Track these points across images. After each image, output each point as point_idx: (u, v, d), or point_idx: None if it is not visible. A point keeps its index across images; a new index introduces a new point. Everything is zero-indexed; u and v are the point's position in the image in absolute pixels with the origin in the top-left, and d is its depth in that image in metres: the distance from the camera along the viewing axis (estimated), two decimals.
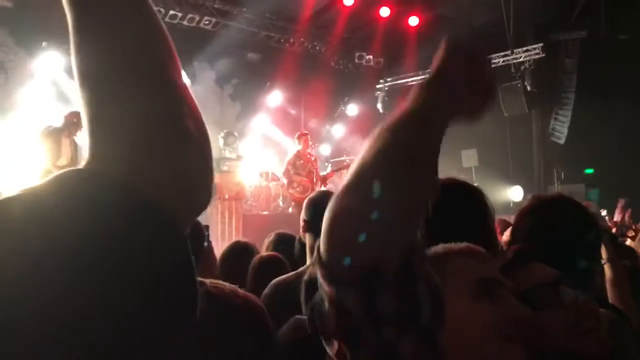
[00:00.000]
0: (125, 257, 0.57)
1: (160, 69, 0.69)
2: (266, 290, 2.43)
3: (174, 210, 0.62)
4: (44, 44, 9.94)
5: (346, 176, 0.84)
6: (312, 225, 2.63)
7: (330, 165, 11.20)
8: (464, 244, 1.10)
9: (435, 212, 1.13)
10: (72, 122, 8.01)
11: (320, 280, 0.81)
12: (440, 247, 1.09)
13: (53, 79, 10.13)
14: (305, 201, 2.79)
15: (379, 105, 14.23)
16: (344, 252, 0.78)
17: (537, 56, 11.73)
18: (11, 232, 0.56)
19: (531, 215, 1.64)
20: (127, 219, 0.59)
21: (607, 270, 1.74)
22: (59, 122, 8.20)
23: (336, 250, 0.80)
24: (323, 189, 9.91)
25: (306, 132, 10.31)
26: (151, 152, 0.64)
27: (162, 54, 0.70)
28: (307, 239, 2.66)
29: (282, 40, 12.50)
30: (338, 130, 14.14)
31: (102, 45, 0.68)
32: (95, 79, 0.67)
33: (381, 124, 0.90)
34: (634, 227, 6.56)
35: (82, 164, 0.65)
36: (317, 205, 2.75)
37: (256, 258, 2.90)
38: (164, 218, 0.61)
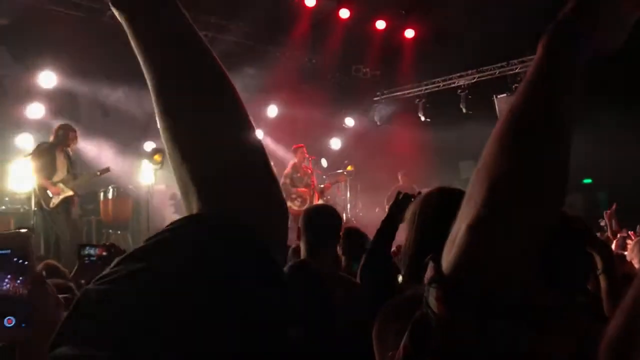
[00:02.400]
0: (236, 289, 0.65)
1: (247, 121, 0.78)
2: None
3: (273, 242, 0.72)
4: (41, 61, 9.97)
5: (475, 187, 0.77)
6: (306, 233, 2.67)
7: (327, 177, 11.17)
8: None
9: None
10: (63, 136, 8.02)
11: (433, 298, 0.78)
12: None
13: (50, 95, 10.15)
14: (304, 209, 2.89)
15: (376, 117, 14.25)
16: (470, 272, 0.75)
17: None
18: (151, 273, 0.65)
19: None
20: (237, 257, 0.67)
21: (602, 281, 1.72)
22: (50, 137, 8.21)
23: (462, 270, 0.76)
24: (321, 202, 9.92)
25: (302, 144, 10.31)
26: (255, 197, 0.75)
27: (244, 109, 0.79)
28: (301, 245, 2.71)
29: (278, 54, 12.53)
30: (335, 142, 14.14)
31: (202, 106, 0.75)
32: (194, 134, 0.75)
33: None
34: (626, 234, 6.55)
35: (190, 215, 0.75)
36: (312, 217, 2.80)
37: None
38: (266, 252, 0.70)
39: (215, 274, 0.64)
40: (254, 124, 0.79)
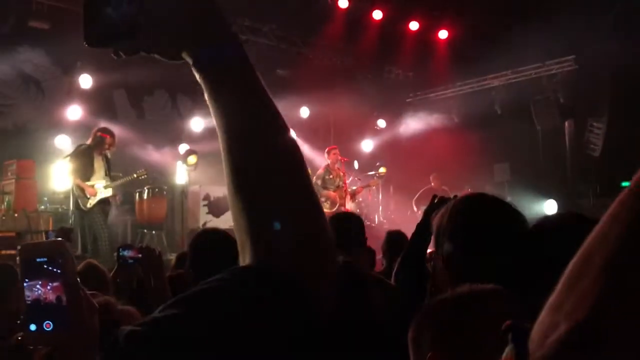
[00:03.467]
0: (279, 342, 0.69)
1: (304, 178, 0.81)
2: None
3: (318, 298, 0.75)
4: (78, 64, 10.19)
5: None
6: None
7: (359, 179, 11.15)
8: (490, 286, 1.12)
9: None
10: (101, 139, 8.18)
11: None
12: (465, 288, 1.13)
13: (87, 97, 10.38)
14: (331, 216, 2.90)
15: (409, 120, 14.17)
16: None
17: (569, 68, 11.55)
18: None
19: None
20: (281, 311, 0.70)
21: None
22: (88, 139, 8.39)
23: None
24: (352, 205, 9.90)
25: (335, 146, 10.32)
26: (310, 261, 0.76)
27: (300, 158, 0.82)
28: None
29: (311, 56, 12.57)
30: (367, 144, 14.11)
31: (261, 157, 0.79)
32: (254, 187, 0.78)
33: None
34: None
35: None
36: (338, 224, 2.83)
37: None
38: (312, 307, 0.73)
39: (254, 325, 0.68)
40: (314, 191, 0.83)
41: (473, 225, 1.62)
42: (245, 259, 0.76)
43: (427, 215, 2.08)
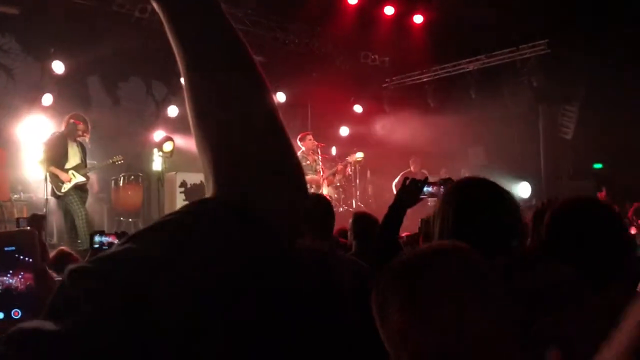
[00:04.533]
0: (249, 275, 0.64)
1: (270, 100, 0.77)
2: None
3: (287, 237, 0.71)
4: (52, 50, 10.02)
5: None
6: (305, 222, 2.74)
7: (336, 164, 11.19)
8: (449, 241, 1.11)
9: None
10: (74, 126, 8.09)
11: None
12: (425, 246, 1.11)
13: (60, 84, 10.21)
14: None
15: (385, 105, 14.23)
16: None
17: (543, 52, 11.68)
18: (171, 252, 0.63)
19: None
20: (248, 244, 0.66)
21: None
22: (62, 126, 8.29)
23: None
24: (327, 190, 9.95)
25: (309, 132, 10.32)
26: (270, 180, 0.72)
27: (270, 96, 0.77)
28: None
29: (287, 42, 12.51)
30: (344, 129, 14.15)
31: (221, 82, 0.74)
32: (217, 115, 0.74)
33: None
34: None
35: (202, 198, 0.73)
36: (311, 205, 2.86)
37: None
38: (277, 242, 0.69)
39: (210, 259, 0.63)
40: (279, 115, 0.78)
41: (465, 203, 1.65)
42: (209, 191, 0.73)
43: (400, 197, 2.13)
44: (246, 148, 0.72)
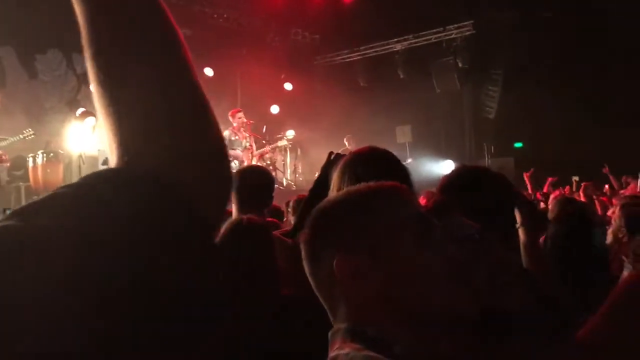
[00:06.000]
0: (158, 248, 0.58)
1: (196, 82, 0.70)
2: None
3: (203, 205, 0.63)
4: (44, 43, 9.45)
5: None
6: (240, 194, 2.69)
7: (266, 142, 11.11)
8: (391, 182, 1.04)
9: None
10: None
11: None
12: (364, 186, 1.03)
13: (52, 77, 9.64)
14: (237, 170, 2.86)
15: (316, 83, 14.22)
16: None
17: (468, 33, 11.99)
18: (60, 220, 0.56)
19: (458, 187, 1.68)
20: (161, 214, 0.59)
21: (521, 234, 1.80)
22: None
23: None
24: (260, 165, 9.89)
25: (239, 109, 10.18)
26: (190, 161, 0.66)
27: (185, 52, 0.71)
28: (233, 206, 2.71)
29: (215, 16, 12.23)
30: (275, 107, 14.05)
31: (128, 42, 0.67)
32: (121, 75, 0.66)
33: None
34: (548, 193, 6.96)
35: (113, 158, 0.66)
36: (249, 176, 2.81)
37: None
38: (195, 213, 0.62)
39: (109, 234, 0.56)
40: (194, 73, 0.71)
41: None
42: (113, 160, 0.66)
43: (324, 171, 2.13)
44: (162, 115, 0.66)
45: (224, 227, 2.25)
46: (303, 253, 1.02)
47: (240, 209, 2.65)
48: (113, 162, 0.65)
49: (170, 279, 0.58)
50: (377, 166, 1.64)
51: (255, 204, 2.67)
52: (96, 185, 0.60)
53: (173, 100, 0.67)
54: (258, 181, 2.80)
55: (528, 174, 7.67)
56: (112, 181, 0.61)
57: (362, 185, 1.03)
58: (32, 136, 8.29)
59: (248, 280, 2.06)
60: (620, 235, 2.89)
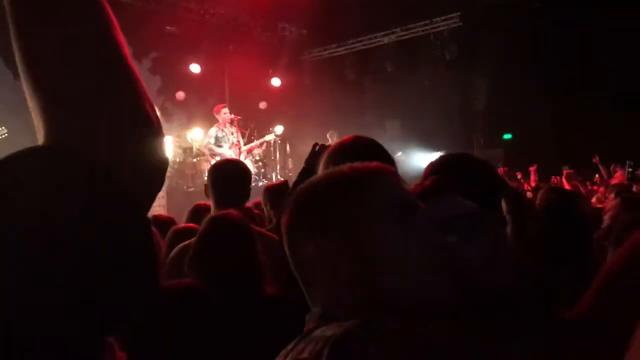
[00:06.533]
0: (89, 233, 0.57)
1: (120, 57, 0.70)
2: (172, 254, 2.42)
3: (136, 194, 0.64)
4: None
5: None
6: (215, 190, 2.66)
7: (254, 137, 11.06)
8: (374, 163, 1.01)
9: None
10: None
11: None
12: (346, 166, 1.00)
13: None
14: (212, 165, 2.85)
15: (304, 78, 14.20)
16: None
17: (455, 25, 11.98)
18: None
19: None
20: (92, 197, 0.59)
21: (508, 222, 1.79)
22: None
23: None
24: (246, 163, 9.84)
25: (224, 104, 10.12)
26: (114, 136, 0.66)
27: (120, 42, 0.72)
28: (211, 203, 2.69)
29: (201, 12, 12.16)
30: (263, 103, 14.00)
31: (58, 29, 0.67)
32: (51, 61, 0.66)
33: None
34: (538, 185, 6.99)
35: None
36: (222, 170, 2.78)
37: (171, 230, 2.85)
38: (128, 200, 0.62)
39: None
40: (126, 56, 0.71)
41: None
42: (40, 138, 0.66)
43: (308, 163, 2.10)
44: (82, 94, 0.65)
45: (202, 224, 2.23)
46: (283, 236, 1.00)
47: (217, 205, 2.62)
48: (40, 139, 0.65)
49: (87, 246, 0.57)
50: (361, 155, 1.62)
51: (232, 198, 2.63)
52: (21, 161, 0.60)
53: (93, 78, 0.66)
54: (232, 174, 2.76)
55: (533, 167, 7.71)
56: (36, 158, 0.61)
57: (346, 166, 0.99)
58: (5, 135, 8.21)
59: (228, 276, 2.03)
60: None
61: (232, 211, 2.22)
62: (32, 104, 0.66)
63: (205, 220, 2.18)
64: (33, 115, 0.67)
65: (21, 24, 0.66)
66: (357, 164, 1.00)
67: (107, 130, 0.65)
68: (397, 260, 0.91)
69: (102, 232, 0.58)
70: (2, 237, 0.54)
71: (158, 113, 0.72)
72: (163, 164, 0.72)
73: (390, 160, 1.72)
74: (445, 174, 1.58)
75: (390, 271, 0.91)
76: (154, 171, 0.70)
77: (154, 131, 0.70)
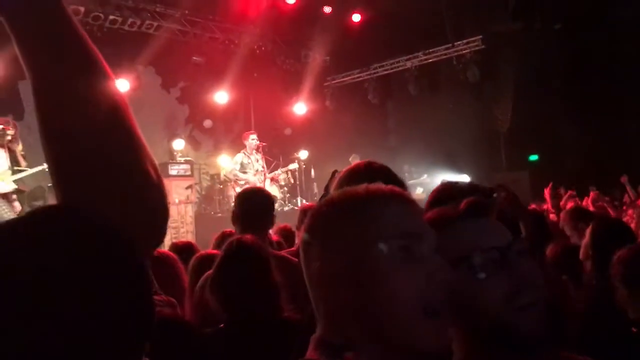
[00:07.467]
0: (94, 284, 0.60)
1: (122, 119, 0.75)
2: (199, 282, 2.49)
3: (138, 246, 0.66)
4: None
5: None
6: (240, 217, 2.76)
7: (279, 163, 11.19)
8: (389, 186, 0.98)
9: None
10: (3, 131, 7.70)
11: None
12: (362, 187, 0.98)
13: None
14: (238, 193, 2.95)
15: (327, 103, 14.32)
16: None
17: (477, 48, 12.03)
18: None
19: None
20: (97, 252, 0.62)
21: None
22: None
23: None
24: (271, 189, 9.95)
25: (252, 131, 10.30)
26: (118, 196, 0.70)
27: (120, 101, 0.76)
28: (235, 229, 2.78)
29: (226, 42, 12.43)
30: (287, 129, 14.16)
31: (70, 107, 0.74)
32: (62, 133, 0.73)
33: None
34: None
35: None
36: (247, 198, 2.90)
37: (195, 256, 2.93)
38: (130, 253, 0.65)
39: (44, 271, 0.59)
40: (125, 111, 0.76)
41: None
42: (56, 197, 0.71)
43: (328, 190, 2.16)
44: (86, 153, 0.71)
45: (221, 250, 2.32)
46: (300, 253, 1.00)
47: (241, 231, 2.73)
48: (56, 199, 0.72)
49: (92, 294, 0.60)
50: (373, 180, 1.67)
51: (255, 225, 2.76)
52: (37, 221, 0.64)
53: (101, 137, 0.72)
54: (255, 202, 2.89)
55: (547, 189, 7.61)
56: (51, 218, 0.65)
57: (361, 187, 0.98)
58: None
59: (242, 298, 2.10)
60: None
61: (247, 236, 2.31)
62: (48, 163, 0.74)
63: (223, 247, 2.28)
64: (50, 174, 0.74)
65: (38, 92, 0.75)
66: (372, 186, 0.97)
67: (110, 191, 0.70)
68: (391, 293, 0.86)
69: (104, 292, 0.61)
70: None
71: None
72: (163, 216, 0.76)
73: (402, 186, 1.76)
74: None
75: (382, 303, 0.87)
76: (154, 222, 0.74)
77: (154, 188, 0.74)
